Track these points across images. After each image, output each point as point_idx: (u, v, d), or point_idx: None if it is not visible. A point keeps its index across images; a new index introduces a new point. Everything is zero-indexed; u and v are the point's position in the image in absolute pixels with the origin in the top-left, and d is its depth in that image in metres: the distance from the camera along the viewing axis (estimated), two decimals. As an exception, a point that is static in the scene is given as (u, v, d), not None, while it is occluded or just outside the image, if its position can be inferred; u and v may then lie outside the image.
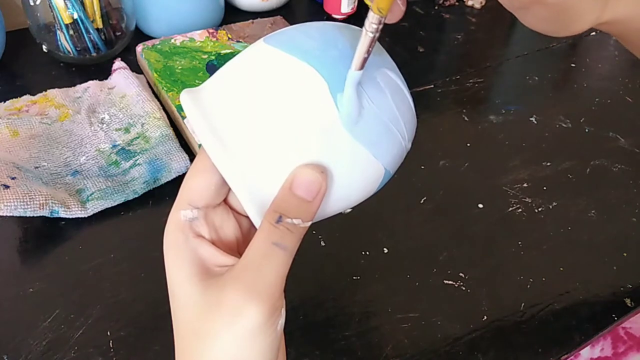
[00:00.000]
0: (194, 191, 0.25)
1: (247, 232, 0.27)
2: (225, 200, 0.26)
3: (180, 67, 0.58)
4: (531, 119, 0.60)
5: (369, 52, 0.22)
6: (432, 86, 0.63)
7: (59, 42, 0.59)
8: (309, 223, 0.22)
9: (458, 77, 0.65)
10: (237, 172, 0.22)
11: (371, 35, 0.22)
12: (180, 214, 0.24)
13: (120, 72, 0.56)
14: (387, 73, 0.25)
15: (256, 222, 0.23)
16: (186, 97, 0.23)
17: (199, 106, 0.23)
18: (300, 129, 0.22)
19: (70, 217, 0.43)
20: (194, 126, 0.23)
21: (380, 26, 0.22)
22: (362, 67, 0.22)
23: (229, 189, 0.25)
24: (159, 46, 0.60)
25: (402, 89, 0.25)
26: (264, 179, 0.22)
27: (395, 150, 0.25)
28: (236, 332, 0.21)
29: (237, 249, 0.26)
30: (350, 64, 0.22)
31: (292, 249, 0.22)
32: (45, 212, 0.42)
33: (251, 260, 0.22)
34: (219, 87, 0.24)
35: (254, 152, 0.22)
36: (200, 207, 0.25)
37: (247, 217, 0.27)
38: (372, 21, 0.21)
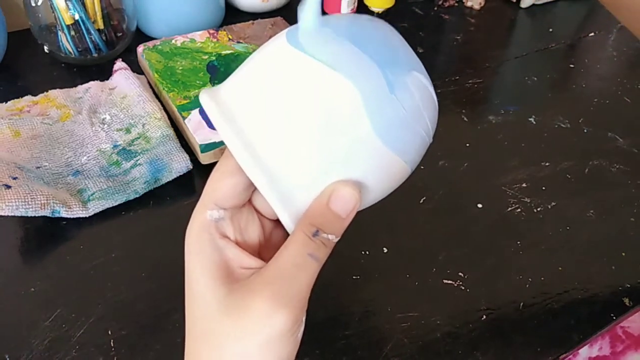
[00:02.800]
0: (221, 192, 0.24)
1: (270, 234, 0.27)
2: (249, 201, 0.26)
3: (181, 68, 0.58)
4: (530, 119, 0.60)
5: None
6: (432, 87, 0.63)
7: (60, 43, 0.59)
8: (338, 238, 0.23)
9: (457, 77, 0.66)
10: (267, 178, 0.22)
11: None
12: (207, 213, 0.24)
13: (121, 72, 0.56)
14: (416, 75, 0.25)
15: (289, 227, 0.23)
16: (207, 99, 0.23)
17: (222, 109, 0.23)
18: (334, 141, 0.22)
19: (72, 217, 0.44)
20: (218, 129, 0.22)
21: None
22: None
23: (254, 189, 0.25)
24: (159, 47, 0.60)
25: (428, 89, 0.25)
26: (296, 186, 0.22)
27: (421, 151, 0.26)
28: (261, 338, 0.21)
29: (258, 250, 0.26)
30: (381, 70, 0.22)
31: (322, 261, 0.23)
32: (46, 212, 0.42)
33: (285, 268, 0.22)
34: (242, 89, 0.23)
35: (286, 160, 0.22)
36: (227, 208, 0.24)
37: (270, 219, 0.27)
38: None
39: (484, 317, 0.40)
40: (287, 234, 0.23)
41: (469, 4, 0.82)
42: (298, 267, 0.22)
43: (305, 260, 0.22)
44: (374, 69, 0.22)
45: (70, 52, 0.60)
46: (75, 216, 0.44)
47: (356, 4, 0.74)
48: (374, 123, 0.22)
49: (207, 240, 0.24)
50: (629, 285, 0.43)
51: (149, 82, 0.59)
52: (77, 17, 0.57)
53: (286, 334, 0.22)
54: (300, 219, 0.23)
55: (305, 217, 0.23)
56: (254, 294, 0.22)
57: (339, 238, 0.23)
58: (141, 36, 0.66)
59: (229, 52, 0.61)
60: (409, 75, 0.24)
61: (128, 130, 0.51)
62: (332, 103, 0.22)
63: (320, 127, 0.22)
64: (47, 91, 0.55)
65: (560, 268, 0.44)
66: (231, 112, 0.23)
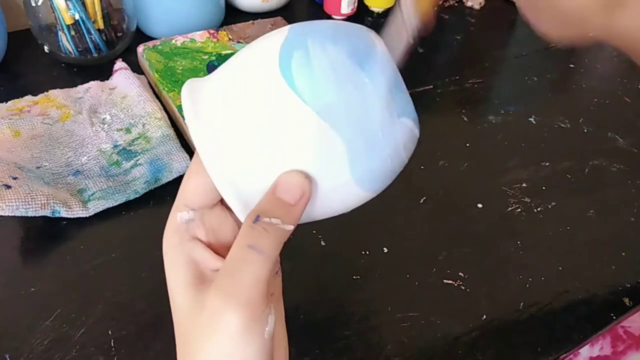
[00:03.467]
0: (189, 192, 0.25)
1: None
2: (222, 202, 0.26)
3: (181, 68, 0.58)
4: (530, 119, 0.60)
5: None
6: (432, 87, 0.63)
7: (61, 43, 0.59)
8: (291, 227, 0.22)
9: (457, 77, 0.66)
10: (222, 170, 0.22)
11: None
12: (177, 216, 0.25)
13: (121, 72, 0.56)
14: (404, 121, 0.24)
15: (241, 218, 0.23)
16: (186, 94, 0.24)
17: (194, 101, 0.23)
18: (287, 140, 0.22)
19: (72, 217, 0.44)
20: (187, 123, 0.23)
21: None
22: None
23: None
24: (159, 47, 0.60)
25: (414, 131, 0.25)
26: (248, 179, 0.23)
27: (393, 178, 0.26)
28: (218, 338, 0.21)
29: None
30: (371, 127, 0.23)
31: (269, 253, 0.21)
32: (46, 212, 0.42)
33: (228, 264, 0.22)
34: (218, 91, 0.24)
35: (241, 155, 0.22)
36: (196, 209, 0.25)
37: None
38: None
39: (484, 317, 0.40)
40: None
41: (469, 4, 0.82)
42: (240, 261, 0.21)
43: (246, 252, 0.21)
44: (364, 124, 0.23)
45: (70, 52, 0.60)
46: (75, 216, 0.44)
47: (356, 4, 0.74)
48: (354, 172, 0.23)
49: (177, 244, 0.24)
50: (629, 285, 0.43)
51: (149, 82, 0.59)
52: (77, 17, 0.57)
53: (244, 332, 0.21)
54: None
55: (253, 208, 0.22)
56: (208, 294, 0.22)
57: (290, 226, 0.22)
58: (141, 36, 0.66)
59: (229, 52, 0.61)
60: (398, 124, 0.24)
61: (128, 130, 0.51)
62: (317, 148, 0.22)
63: (277, 130, 0.22)
64: (47, 91, 0.55)
65: (560, 268, 0.44)
66: (200, 107, 0.23)
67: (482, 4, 0.82)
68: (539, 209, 0.49)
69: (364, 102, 0.23)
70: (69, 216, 0.43)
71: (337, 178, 0.23)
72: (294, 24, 0.24)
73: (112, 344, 0.37)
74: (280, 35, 0.23)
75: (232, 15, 0.72)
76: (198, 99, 0.23)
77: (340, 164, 0.23)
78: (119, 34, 0.62)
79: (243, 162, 0.22)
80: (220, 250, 0.25)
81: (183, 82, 0.56)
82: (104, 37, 0.61)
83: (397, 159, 0.25)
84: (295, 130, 0.22)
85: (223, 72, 0.24)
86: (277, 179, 0.22)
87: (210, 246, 0.25)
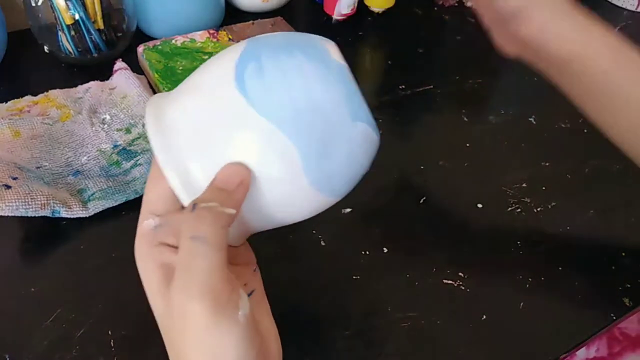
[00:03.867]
0: (153, 200, 0.25)
1: None
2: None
3: (181, 68, 0.58)
4: (530, 119, 0.60)
5: None
6: (432, 87, 0.64)
7: (61, 43, 0.59)
8: (231, 210, 0.23)
9: (457, 77, 0.66)
10: (174, 165, 0.24)
11: None
12: (143, 224, 0.25)
13: (121, 72, 0.56)
14: (359, 125, 0.25)
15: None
16: (150, 108, 0.26)
17: (156, 107, 0.26)
18: (238, 145, 0.23)
19: (72, 217, 0.44)
20: (147, 128, 0.25)
21: None
22: None
23: None
24: (159, 47, 0.60)
25: (371, 135, 0.26)
26: (198, 176, 0.24)
27: (354, 182, 0.26)
28: (191, 334, 0.21)
29: None
30: (325, 127, 0.24)
31: (214, 241, 0.21)
32: (46, 212, 0.42)
33: (179, 259, 0.22)
34: (179, 97, 0.25)
35: (193, 150, 0.24)
36: (161, 215, 0.25)
37: None
38: None
39: (484, 317, 0.40)
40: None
41: (469, 4, 0.82)
42: (187, 254, 0.21)
43: (191, 245, 0.21)
44: (316, 127, 0.24)
45: (70, 52, 0.60)
46: (75, 216, 0.44)
47: (356, 4, 0.74)
48: (309, 175, 0.24)
49: (145, 251, 0.25)
50: (629, 286, 0.43)
51: (149, 82, 0.59)
52: (77, 17, 0.57)
53: (214, 322, 0.21)
54: None
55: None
56: (171, 291, 0.22)
57: (229, 209, 0.22)
58: (141, 36, 0.66)
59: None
60: (353, 128, 0.25)
61: (128, 130, 0.51)
62: (269, 156, 0.23)
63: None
64: (47, 91, 0.55)
65: (560, 268, 0.44)
66: (169, 125, 0.25)
67: (482, 4, 0.81)
68: (538, 209, 0.49)
69: (317, 108, 0.24)
70: (69, 216, 0.43)
71: (294, 181, 0.24)
72: (252, 38, 0.26)
73: (112, 344, 0.37)
74: (238, 49, 0.25)
75: (232, 15, 0.72)
76: (162, 108, 0.25)
77: (295, 168, 0.24)
78: (119, 34, 0.62)
79: (195, 158, 0.24)
80: None
81: (183, 82, 0.56)
82: (104, 37, 0.61)
83: (355, 162, 0.26)
84: (247, 136, 0.23)
85: (186, 82, 0.26)
86: (218, 172, 0.23)
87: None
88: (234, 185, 0.23)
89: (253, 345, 0.22)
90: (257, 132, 0.23)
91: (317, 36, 0.27)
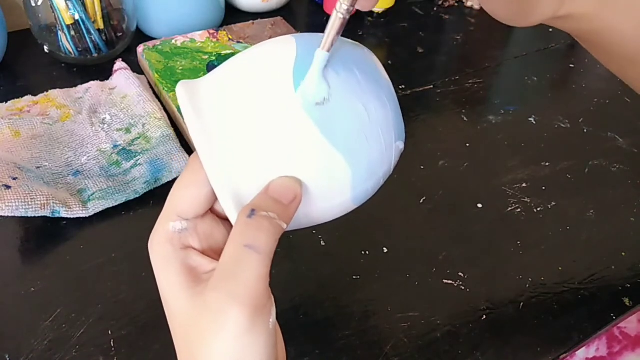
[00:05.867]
0: (183, 203, 0.25)
1: None
2: (211, 209, 0.26)
3: (181, 68, 0.58)
4: (530, 119, 0.60)
5: (338, 34, 0.22)
6: (432, 87, 0.64)
7: (61, 43, 0.59)
8: (285, 225, 0.23)
9: (457, 77, 0.66)
10: (223, 173, 0.22)
11: (341, 17, 0.22)
12: (169, 225, 0.25)
13: (121, 72, 0.56)
14: (398, 145, 0.26)
15: (233, 219, 0.23)
16: (183, 93, 0.24)
17: (195, 108, 0.23)
18: (282, 147, 0.23)
19: (72, 217, 0.44)
20: (188, 126, 0.23)
21: (352, 8, 0.22)
22: (330, 48, 0.22)
23: (216, 199, 0.26)
24: (159, 47, 0.60)
25: (401, 148, 0.26)
26: (245, 184, 0.23)
27: (375, 156, 0.26)
28: (225, 336, 0.21)
29: None
30: (380, 154, 0.24)
31: (266, 251, 0.22)
32: (46, 212, 0.42)
33: (227, 265, 0.22)
34: (218, 91, 0.24)
35: (240, 160, 0.23)
36: (189, 219, 0.25)
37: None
38: (343, 2, 0.22)
39: (484, 317, 0.40)
40: None
41: (469, 4, 0.82)
42: (238, 262, 0.21)
43: (245, 253, 0.21)
44: (371, 149, 0.24)
45: (70, 52, 0.60)
46: (75, 216, 0.44)
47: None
48: (354, 193, 0.24)
49: (170, 252, 0.24)
50: (629, 285, 0.43)
51: (149, 82, 0.59)
52: (77, 17, 0.57)
53: (250, 328, 0.21)
54: None
55: (246, 204, 0.23)
56: (208, 294, 0.22)
57: (284, 225, 0.22)
58: (141, 36, 0.66)
59: (229, 52, 0.61)
60: (396, 148, 0.25)
61: (128, 130, 0.51)
62: (322, 175, 0.23)
63: (274, 137, 0.23)
64: (47, 91, 0.55)
65: (560, 268, 0.44)
66: (202, 113, 0.23)
67: (482, 4, 0.81)
68: (539, 209, 0.49)
69: (374, 131, 0.24)
70: (68, 216, 0.43)
71: (339, 198, 0.24)
72: (299, 37, 0.25)
73: (112, 344, 0.37)
74: (289, 51, 0.24)
75: (232, 15, 0.72)
76: (197, 103, 0.24)
77: (344, 188, 0.24)
78: (119, 34, 0.62)
79: (244, 169, 0.23)
80: (213, 254, 0.25)
81: (183, 82, 0.56)
82: (104, 37, 0.61)
83: (388, 176, 0.26)
84: (306, 155, 0.23)
85: (227, 78, 0.24)
86: (270, 182, 0.23)
87: (203, 252, 0.25)
88: (289, 200, 0.23)
89: (275, 350, 0.23)
90: (316, 151, 0.23)
91: (359, 44, 0.26)
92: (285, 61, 0.23)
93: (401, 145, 0.26)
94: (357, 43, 0.26)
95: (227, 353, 0.22)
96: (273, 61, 0.24)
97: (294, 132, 0.22)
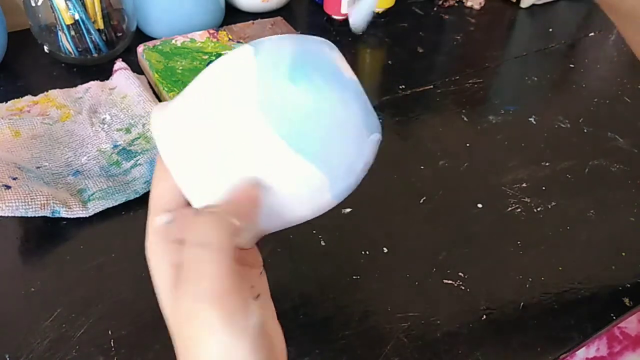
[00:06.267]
0: (163, 196, 0.25)
1: None
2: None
3: (181, 68, 0.58)
4: (530, 119, 0.60)
5: None
6: (432, 87, 0.64)
7: (60, 43, 0.59)
8: (237, 222, 0.23)
9: (457, 77, 0.66)
10: (183, 170, 0.24)
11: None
12: (155, 220, 0.25)
13: (121, 72, 0.56)
14: (374, 137, 0.26)
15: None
16: (157, 116, 0.25)
17: (163, 119, 0.25)
18: (250, 164, 0.23)
19: (72, 217, 0.44)
20: (154, 135, 0.24)
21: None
22: None
23: None
24: (159, 47, 0.60)
25: (379, 140, 0.26)
26: (204, 175, 0.24)
27: (350, 155, 0.26)
28: (204, 339, 0.21)
29: None
30: (353, 153, 0.25)
31: (220, 247, 0.21)
32: (46, 212, 0.42)
33: (185, 265, 0.22)
34: (184, 110, 0.25)
35: (206, 179, 0.24)
36: (173, 210, 0.25)
37: None
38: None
39: (484, 317, 0.40)
40: None
41: (469, 4, 0.82)
42: (193, 262, 0.21)
43: (196, 251, 0.21)
44: (342, 151, 0.24)
45: (70, 52, 0.60)
46: (75, 216, 0.44)
47: (356, 4, 0.74)
48: (333, 193, 0.25)
49: (161, 249, 0.25)
50: (629, 285, 0.43)
51: (149, 82, 0.59)
52: (77, 17, 0.57)
53: (224, 328, 0.21)
54: None
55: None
56: (180, 297, 0.22)
57: (235, 220, 0.22)
58: (141, 36, 0.66)
59: (228, 52, 0.61)
60: (369, 141, 0.25)
61: (128, 130, 0.51)
62: (296, 180, 0.23)
63: (230, 144, 0.23)
64: (47, 91, 0.55)
65: (560, 268, 0.44)
66: (169, 123, 0.25)
67: (482, 4, 0.82)
68: (539, 209, 0.49)
69: (341, 133, 0.24)
70: (68, 216, 0.43)
71: (318, 198, 0.25)
72: (259, 46, 0.24)
73: (112, 344, 0.37)
74: (249, 64, 0.24)
75: (232, 15, 0.72)
76: (165, 116, 0.25)
77: (322, 191, 0.24)
78: (119, 34, 0.62)
79: (209, 174, 0.24)
80: None
81: (183, 82, 0.56)
82: (104, 37, 0.61)
83: (368, 167, 0.26)
84: (273, 165, 0.23)
85: (193, 95, 0.25)
86: (230, 186, 0.23)
87: None
88: (244, 200, 0.23)
89: (262, 352, 0.22)
90: (287, 164, 0.23)
91: (321, 43, 0.26)
92: (245, 79, 0.23)
93: (376, 137, 0.26)
94: (319, 39, 0.26)
95: (209, 355, 0.21)
96: (233, 81, 0.24)
97: (259, 149, 0.23)
